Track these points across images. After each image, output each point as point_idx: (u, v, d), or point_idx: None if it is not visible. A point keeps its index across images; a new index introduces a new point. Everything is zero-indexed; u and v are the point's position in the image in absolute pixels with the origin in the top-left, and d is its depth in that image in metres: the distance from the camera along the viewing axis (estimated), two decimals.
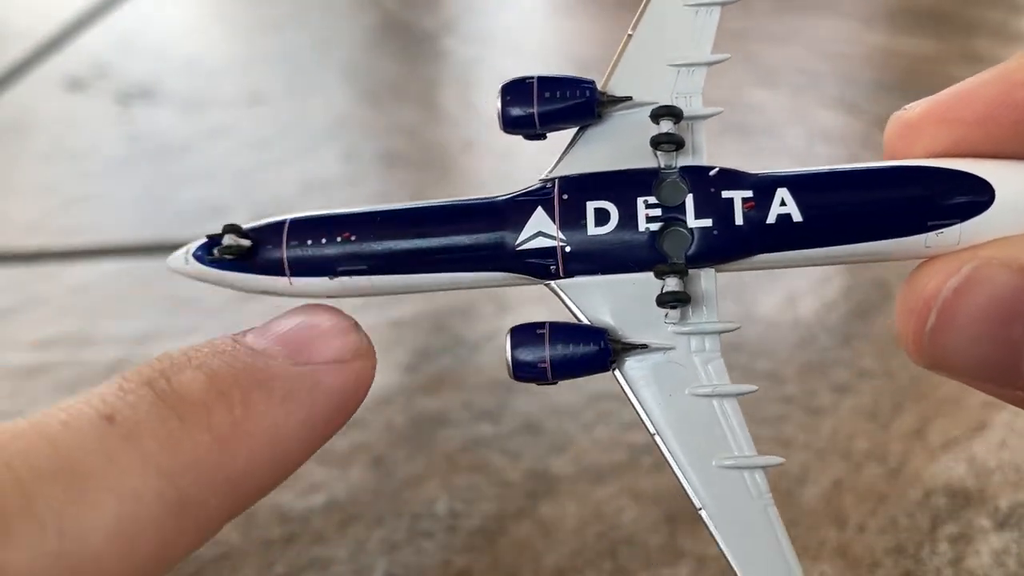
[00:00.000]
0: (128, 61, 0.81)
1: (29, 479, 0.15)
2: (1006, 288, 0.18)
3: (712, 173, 0.21)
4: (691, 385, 0.20)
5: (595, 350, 0.20)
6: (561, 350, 0.20)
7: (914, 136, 0.20)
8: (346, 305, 0.21)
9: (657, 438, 0.20)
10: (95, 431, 0.16)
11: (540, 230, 0.21)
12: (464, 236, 0.21)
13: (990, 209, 0.19)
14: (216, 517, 0.17)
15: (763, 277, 0.48)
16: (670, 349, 0.21)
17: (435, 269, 0.21)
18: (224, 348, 0.19)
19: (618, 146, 0.21)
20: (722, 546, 0.19)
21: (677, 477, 0.20)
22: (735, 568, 0.19)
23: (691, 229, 0.20)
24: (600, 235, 0.20)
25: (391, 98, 0.72)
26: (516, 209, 0.21)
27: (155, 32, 0.88)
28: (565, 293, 0.21)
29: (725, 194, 0.20)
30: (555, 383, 0.21)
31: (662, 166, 0.21)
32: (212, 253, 0.22)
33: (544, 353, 0.20)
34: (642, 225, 0.20)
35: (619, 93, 0.21)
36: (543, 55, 0.79)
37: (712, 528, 0.20)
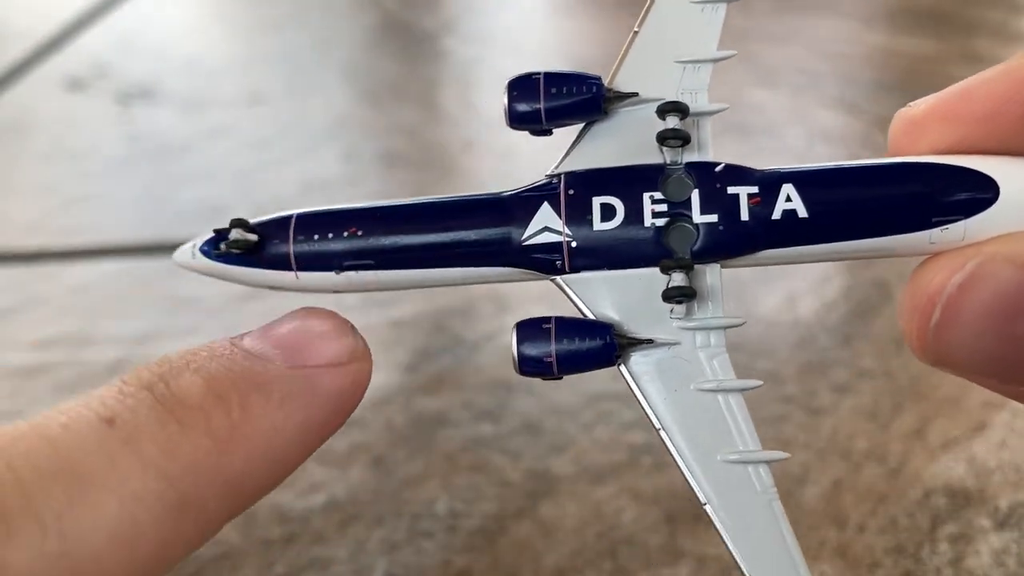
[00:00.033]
0: (128, 61, 0.81)
1: (31, 480, 0.15)
2: (1010, 284, 0.18)
3: (718, 169, 0.21)
4: (696, 380, 0.20)
5: (601, 345, 0.20)
6: (567, 345, 0.20)
7: (919, 133, 0.20)
8: (345, 305, 0.21)
9: (662, 433, 0.20)
10: (95, 434, 0.16)
11: (546, 225, 0.21)
12: (470, 231, 0.21)
13: (995, 205, 0.19)
14: (215, 518, 0.18)
15: (763, 277, 0.48)
16: (675, 344, 0.21)
17: (441, 264, 0.21)
18: (222, 352, 0.19)
19: (624, 142, 0.21)
20: (726, 540, 0.19)
21: (682, 472, 0.20)
22: (740, 562, 0.19)
23: (697, 225, 0.20)
24: (606, 230, 0.21)
25: (391, 98, 0.72)
26: (522, 204, 0.21)
27: (155, 32, 0.88)
28: (571, 288, 0.21)
29: (731, 190, 0.20)
30: (560, 378, 0.21)
31: (668, 162, 0.21)
32: (219, 248, 0.22)
33: (550, 348, 0.20)
34: (648, 220, 0.20)
35: (625, 89, 0.21)
36: (543, 55, 0.79)
37: (717, 522, 0.20)
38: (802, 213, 0.20)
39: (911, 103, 0.21)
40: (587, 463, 0.39)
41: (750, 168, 0.21)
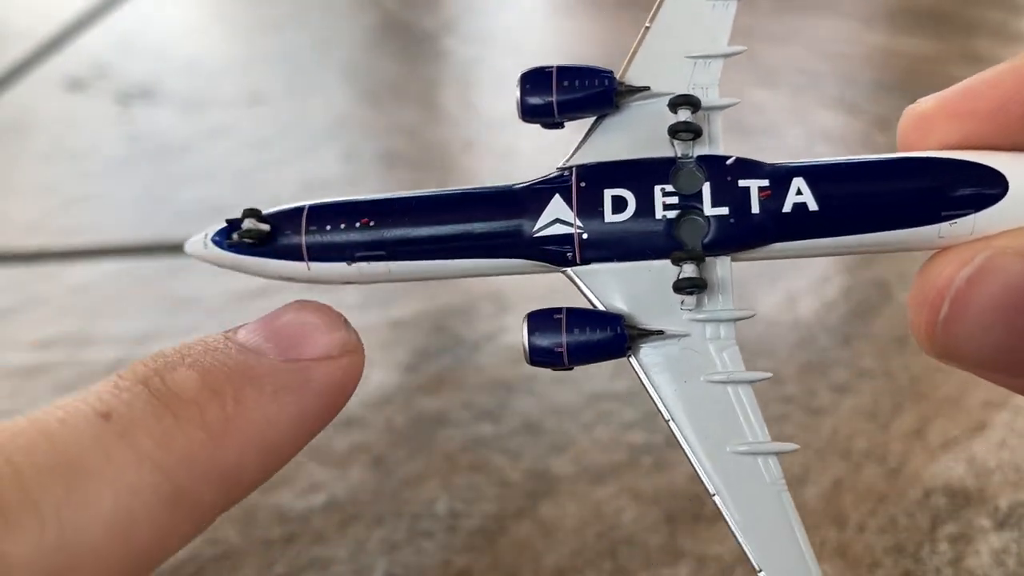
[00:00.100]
0: (128, 61, 0.81)
1: (29, 474, 0.16)
2: (1019, 277, 0.18)
3: (729, 162, 0.21)
4: (706, 372, 0.21)
5: (611, 336, 0.20)
6: (578, 335, 0.20)
7: (928, 129, 0.21)
8: (345, 305, 0.21)
9: (672, 424, 0.20)
10: (92, 428, 0.17)
11: (557, 217, 0.21)
12: (482, 223, 0.21)
13: (1003, 200, 0.19)
14: (210, 510, 0.18)
15: (763, 276, 0.48)
16: (685, 336, 0.21)
17: (452, 256, 0.21)
18: (216, 346, 0.19)
19: (635, 135, 0.21)
20: (735, 531, 0.20)
21: (691, 463, 0.20)
22: (748, 553, 0.19)
23: (708, 217, 0.20)
24: (617, 222, 0.21)
25: (391, 98, 0.72)
26: (534, 196, 0.21)
27: (155, 32, 0.88)
28: (581, 280, 0.21)
29: (742, 183, 0.20)
30: (571, 368, 0.21)
31: (679, 155, 0.21)
32: (231, 238, 0.22)
33: (561, 338, 0.20)
34: (659, 213, 0.20)
35: (636, 84, 0.21)
36: (543, 55, 0.79)
37: (725, 513, 0.20)
38: (812, 206, 0.20)
39: (920, 99, 0.21)
40: (587, 463, 0.39)
41: (761, 162, 0.21)
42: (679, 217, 0.20)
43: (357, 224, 0.21)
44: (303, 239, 0.22)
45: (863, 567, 0.33)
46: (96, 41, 0.84)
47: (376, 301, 0.49)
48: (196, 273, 0.52)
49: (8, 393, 0.45)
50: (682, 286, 0.20)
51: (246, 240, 0.22)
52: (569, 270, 0.21)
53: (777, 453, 0.20)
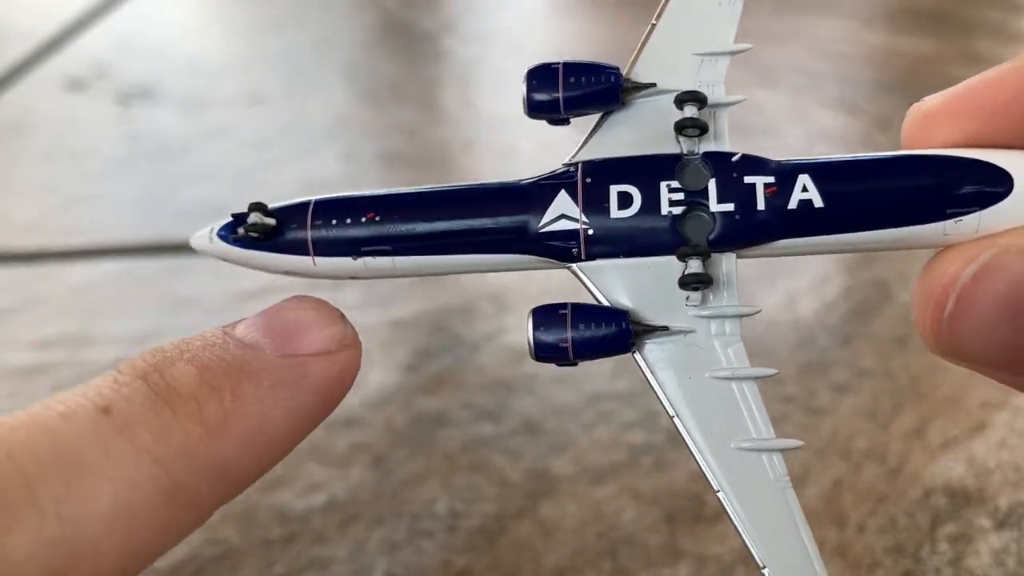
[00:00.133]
0: (128, 61, 0.81)
1: (30, 469, 0.16)
2: None
3: (735, 159, 0.21)
4: (711, 368, 0.21)
5: (617, 331, 0.20)
6: (583, 331, 0.20)
7: (933, 127, 0.21)
8: (345, 304, 0.21)
9: (676, 420, 0.20)
10: (92, 422, 0.17)
11: (563, 213, 0.21)
12: (487, 218, 0.21)
13: (1009, 198, 0.19)
14: (208, 503, 0.18)
15: (763, 276, 0.48)
16: (690, 332, 0.21)
17: (458, 251, 0.21)
18: (214, 341, 0.19)
19: (641, 132, 0.21)
20: (739, 527, 0.20)
21: (695, 459, 0.20)
22: (752, 549, 0.19)
23: (713, 213, 0.20)
24: (623, 218, 0.21)
25: (391, 98, 0.72)
26: (539, 192, 0.21)
27: (155, 32, 0.88)
28: (586, 276, 0.21)
29: (747, 179, 0.20)
30: (576, 364, 0.21)
31: (685, 151, 0.21)
32: (236, 232, 0.22)
33: (566, 334, 0.20)
34: (664, 209, 0.21)
35: (643, 80, 0.21)
36: (543, 55, 0.79)
37: (729, 509, 0.20)
38: (818, 203, 0.20)
39: (925, 98, 0.21)
40: (587, 463, 0.39)
41: (766, 158, 0.21)
42: (684, 213, 0.20)
43: (363, 219, 0.21)
44: (309, 233, 0.22)
45: (863, 567, 0.33)
46: (96, 41, 0.84)
47: (376, 301, 0.49)
48: (196, 273, 0.52)
49: (8, 393, 0.45)
50: (687, 282, 0.20)
51: (252, 234, 0.22)
52: (574, 266, 0.21)
53: (782, 450, 0.20)
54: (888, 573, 0.33)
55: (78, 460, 0.16)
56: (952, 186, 0.20)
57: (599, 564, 0.34)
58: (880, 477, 0.37)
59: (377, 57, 0.82)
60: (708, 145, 0.21)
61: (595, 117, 0.22)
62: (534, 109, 0.21)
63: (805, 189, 0.20)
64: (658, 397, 0.21)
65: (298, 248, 0.22)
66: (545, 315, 0.21)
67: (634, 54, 0.22)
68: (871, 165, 0.20)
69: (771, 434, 0.20)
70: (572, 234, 0.21)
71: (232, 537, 0.36)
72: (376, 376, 0.44)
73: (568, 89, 0.21)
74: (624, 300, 0.21)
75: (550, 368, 0.44)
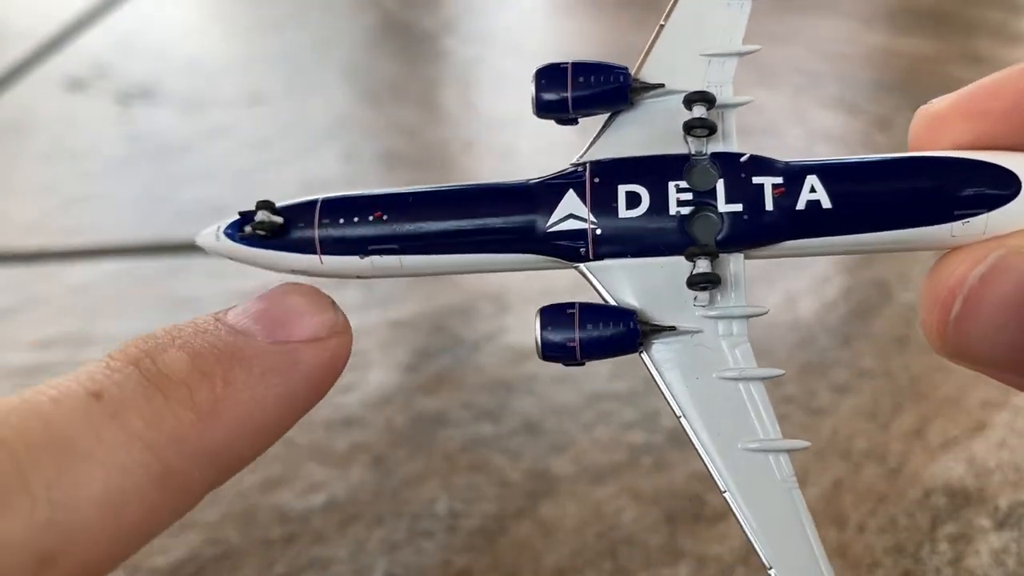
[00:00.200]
0: (128, 61, 0.81)
1: (22, 453, 0.16)
2: None
3: (743, 159, 0.21)
4: (718, 368, 0.21)
5: (624, 331, 0.20)
6: (591, 331, 0.20)
7: (941, 129, 0.21)
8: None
9: (683, 420, 0.20)
10: (84, 408, 0.17)
11: (571, 212, 0.21)
12: (495, 218, 0.21)
13: (1016, 199, 0.19)
14: (199, 488, 0.18)
15: (763, 277, 0.48)
16: (698, 332, 0.21)
17: (465, 250, 0.21)
18: (206, 328, 0.19)
19: (649, 132, 0.22)
20: (745, 528, 0.20)
21: (702, 459, 0.20)
22: (758, 550, 0.19)
23: (721, 214, 0.20)
24: (631, 218, 0.21)
25: (391, 98, 0.72)
26: (547, 192, 0.21)
27: (155, 32, 0.88)
28: (594, 275, 0.21)
29: (755, 180, 0.20)
30: (583, 363, 0.21)
31: (693, 152, 0.21)
32: (243, 230, 0.22)
33: (573, 334, 0.20)
34: (673, 209, 0.21)
35: (651, 81, 0.22)
36: (543, 55, 0.79)
37: (736, 510, 0.20)
38: (826, 204, 0.20)
39: (933, 100, 0.21)
40: (587, 463, 0.39)
41: (774, 159, 0.21)
42: (693, 213, 0.21)
43: (370, 218, 0.21)
44: (316, 232, 0.22)
45: (863, 567, 0.33)
46: (96, 41, 0.84)
47: (376, 301, 0.49)
48: (196, 273, 0.52)
49: (8, 393, 0.45)
50: (696, 281, 0.20)
51: (259, 232, 0.22)
52: (582, 266, 0.21)
53: (788, 450, 0.20)
54: (888, 573, 0.33)
55: (70, 445, 0.16)
56: (959, 188, 0.20)
57: (599, 564, 0.34)
58: (880, 477, 0.37)
59: (377, 57, 0.82)
60: (716, 146, 0.21)
61: (602, 117, 0.22)
62: (543, 109, 0.21)
63: (813, 190, 0.20)
64: (665, 397, 0.21)
65: (305, 247, 0.22)
66: (552, 315, 0.21)
67: (642, 55, 0.22)
68: (879, 166, 0.20)
69: (778, 435, 0.20)
70: (580, 234, 0.21)
71: (232, 537, 0.36)
72: (376, 376, 0.44)
73: (577, 89, 0.21)
74: (631, 300, 0.21)
75: (550, 368, 0.44)
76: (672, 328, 0.21)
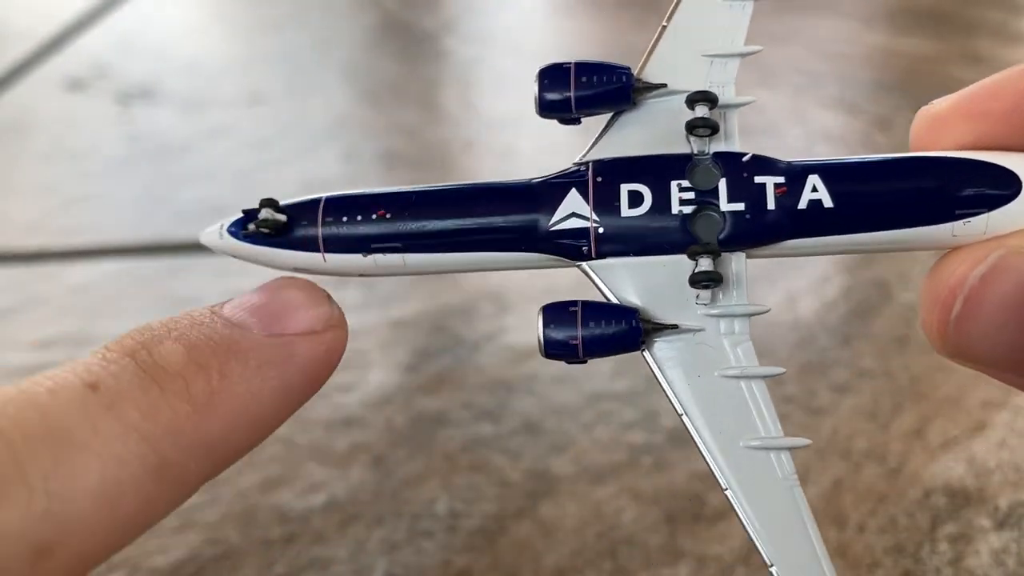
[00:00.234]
0: (128, 61, 0.81)
1: (20, 444, 0.16)
2: None
3: (745, 159, 0.21)
4: (720, 367, 0.21)
5: (626, 329, 0.20)
6: (593, 328, 0.20)
7: (942, 129, 0.21)
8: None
9: (685, 418, 0.20)
10: (80, 399, 0.17)
11: (574, 211, 0.21)
12: (498, 217, 0.21)
13: (1017, 200, 0.20)
14: (194, 480, 0.18)
15: (763, 277, 0.48)
16: (700, 331, 0.21)
17: (468, 249, 0.22)
18: (202, 320, 0.20)
19: (652, 132, 0.22)
20: (746, 525, 0.20)
21: (704, 457, 0.20)
22: (760, 548, 0.19)
23: (723, 213, 0.21)
24: (633, 217, 0.21)
25: (391, 98, 0.72)
26: (550, 191, 0.21)
27: (155, 32, 0.88)
28: (596, 274, 0.21)
29: (758, 179, 0.21)
30: (585, 361, 0.21)
31: (695, 151, 0.21)
32: (247, 228, 0.22)
33: (576, 331, 0.20)
34: (675, 208, 0.21)
35: (654, 81, 0.22)
36: (543, 55, 0.79)
37: (737, 507, 0.20)
38: (828, 203, 0.20)
39: (934, 101, 0.21)
40: (587, 463, 0.39)
41: (776, 159, 0.21)
42: (695, 212, 0.21)
43: (373, 216, 0.21)
44: (320, 230, 0.22)
45: (863, 567, 0.33)
46: (96, 41, 0.84)
47: (376, 301, 0.49)
48: (196, 273, 0.52)
49: None
50: (698, 279, 0.20)
51: (263, 230, 0.22)
52: (584, 264, 0.21)
53: (790, 448, 0.20)
54: (888, 573, 0.33)
55: (66, 436, 0.16)
56: (961, 187, 0.20)
57: (599, 564, 0.34)
58: (880, 477, 0.37)
59: (377, 57, 0.82)
60: (718, 145, 0.21)
61: (605, 117, 0.22)
62: (546, 108, 0.21)
63: (815, 189, 0.20)
64: (667, 395, 0.21)
65: (308, 244, 0.22)
66: (555, 313, 0.21)
67: (645, 55, 0.22)
68: (880, 166, 0.20)
69: (780, 432, 0.20)
70: (583, 232, 0.21)
71: (232, 537, 0.36)
72: (376, 376, 0.44)
73: (580, 89, 0.21)
74: (634, 298, 0.21)
75: (550, 368, 0.44)
76: (674, 326, 0.21)
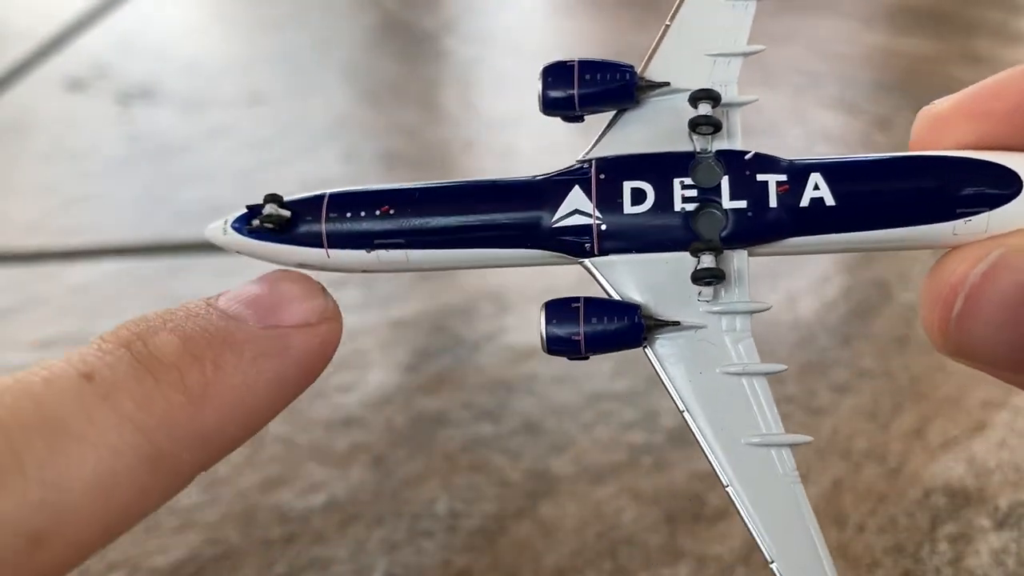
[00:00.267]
0: (128, 61, 0.81)
1: (16, 433, 0.16)
2: None
3: (747, 157, 0.21)
4: (721, 363, 0.21)
5: (628, 325, 0.20)
6: (595, 324, 0.20)
7: (944, 129, 0.21)
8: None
9: (686, 415, 0.20)
10: (75, 389, 0.17)
11: (577, 208, 0.21)
12: (501, 213, 0.21)
13: (1018, 199, 0.20)
14: (188, 471, 0.18)
15: (763, 276, 0.48)
16: (701, 328, 0.21)
17: (471, 245, 0.22)
18: (197, 312, 0.20)
19: (655, 130, 0.22)
20: (747, 522, 0.20)
21: (705, 454, 0.20)
22: (760, 544, 0.19)
23: (726, 210, 0.21)
24: (636, 214, 0.21)
25: (391, 98, 0.72)
26: (553, 188, 0.21)
27: (155, 32, 0.88)
28: (599, 271, 0.21)
29: (760, 177, 0.21)
30: (587, 357, 0.21)
31: (698, 149, 0.21)
32: (251, 224, 0.22)
33: (578, 328, 0.20)
34: (678, 205, 0.21)
35: (657, 79, 0.22)
36: (543, 55, 0.79)
37: (738, 504, 0.20)
38: (829, 202, 0.20)
39: (935, 101, 0.21)
40: (587, 463, 0.39)
41: (779, 157, 0.21)
42: (697, 210, 0.21)
43: (377, 212, 0.22)
44: (323, 226, 0.22)
45: (863, 567, 0.33)
46: (96, 41, 0.84)
47: (376, 301, 0.49)
48: (196, 273, 0.52)
49: None
50: (700, 276, 0.20)
51: (267, 226, 0.22)
52: (587, 261, 0.21)
53: (791, 445, 0.20)
54: (888, 573, 0.33)
55: (62, 426, 0.16)
56: (962, 186, 0.20)
57: (599, 564, 0.34)
58: (880, 477, 0.37)
59: (377, 57, 0.82)
60: (721, 143, 0.21)
61: (608, 115, 0.22)
62: (549, 106, 0.22)
63: (817, 188, 0.20)
64: (668, 392, 0.21)
65: (312, 240, 0.22)
66: (557, 309, 0.21)
67: (648, 54, 0.22)
68: (882, 165, 0.20)
69: (781, 429, 0.20)
70: (585, 229, 0.21)
71: (232, 537, 0.36)
72: (376, 376, 0.44)
73: (583, 87, 0.21)
74: (636, 295, 0.21)
75: (550, 368, 0.44)
76: (676, 323, 0.21)
